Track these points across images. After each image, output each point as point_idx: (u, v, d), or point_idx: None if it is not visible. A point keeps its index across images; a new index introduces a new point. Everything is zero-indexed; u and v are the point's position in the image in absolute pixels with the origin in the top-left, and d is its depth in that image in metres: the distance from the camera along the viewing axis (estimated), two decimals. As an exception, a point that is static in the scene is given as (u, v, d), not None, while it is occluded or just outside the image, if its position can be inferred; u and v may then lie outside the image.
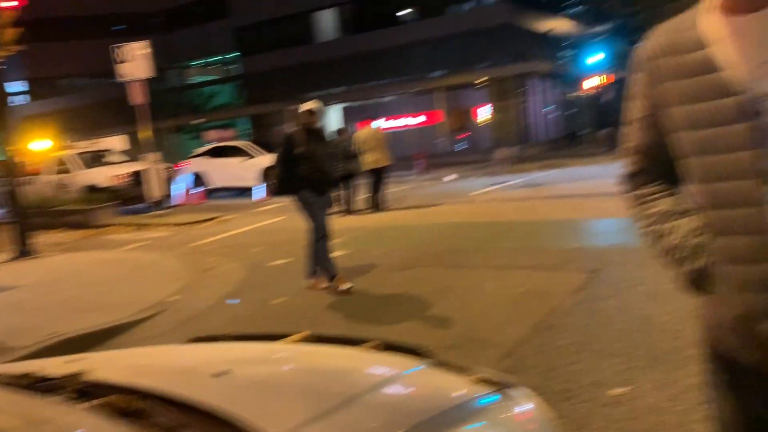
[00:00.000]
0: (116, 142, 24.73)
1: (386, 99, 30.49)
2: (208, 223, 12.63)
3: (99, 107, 34.68)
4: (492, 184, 15.00)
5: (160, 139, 18.97)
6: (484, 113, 29.03)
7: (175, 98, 36.05)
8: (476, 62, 27.92)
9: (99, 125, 32.05)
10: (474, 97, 29.10)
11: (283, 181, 6.06)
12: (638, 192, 1.40)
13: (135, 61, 14.19)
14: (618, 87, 30.46)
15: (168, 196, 16.07)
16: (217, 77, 37.96)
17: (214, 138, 33.01)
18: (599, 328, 4.29)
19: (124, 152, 20.02)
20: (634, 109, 1.35)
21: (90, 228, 12.77)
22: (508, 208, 11.06)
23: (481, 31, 27.48)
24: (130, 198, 15.27)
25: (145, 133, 14.62)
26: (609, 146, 24.62)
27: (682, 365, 3.49)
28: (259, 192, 17.05)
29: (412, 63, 29.03)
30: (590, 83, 25.43)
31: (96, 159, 17.48)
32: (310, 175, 5.97)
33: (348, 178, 11.72)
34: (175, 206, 15.83)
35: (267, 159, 18.15)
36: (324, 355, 1.61)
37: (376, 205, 12.11)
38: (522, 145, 27.56)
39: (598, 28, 25.31)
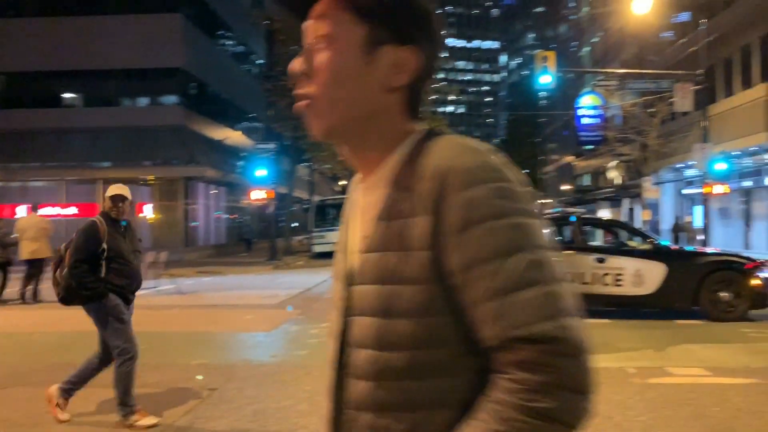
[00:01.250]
0: None
1: (36, 184, 27.39)
2: None
3: None
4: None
5: None
6: (147, 212, 27.95)
7: None
8: (144, 158, 27.08)
9: None
10: (139, 193, 27.92)
11: (82, 285, 4.59)
12: None
13: None
14: (280, 201, 32.45)
15: None
16: None
17: None
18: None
19: None
20: None
21: None
22: (147, 317, 10.41)
23: (152, 129, 26.96)
24: None
25: None
26: (269, 257, 25.67)
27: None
28: None
29: (72, 150, 26.85)
30: (257, 195, 26.57)
31: None
32: (117, 279, 4.69)
33: (3, 266, 11.59)
34: None
35: None
36: None
37: (23, 296, 11.66)
38: (184, 249, 27.07)
39: (268, 145, 26.94)
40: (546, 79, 22.58)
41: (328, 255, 27.35)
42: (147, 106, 29.32)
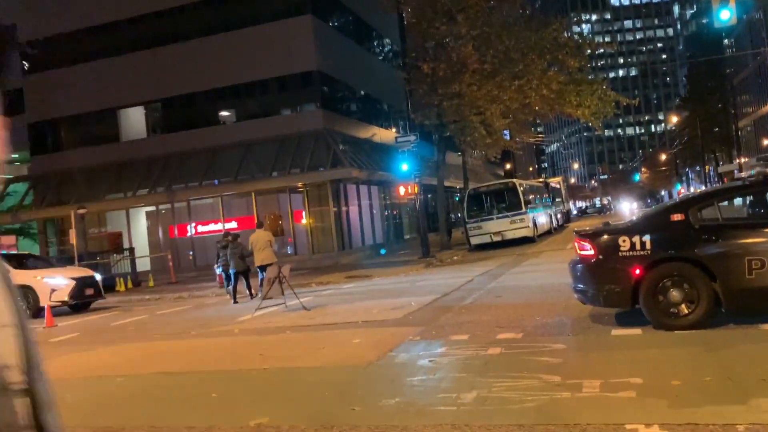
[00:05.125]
0: None
1: (197, 203, 28.44)
2: None
3: None
4: (271, 305, 13.13)
5: None
6: (301, 218, 27.83)
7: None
8: (292, 167, 26.95)
9: None
10: (291, 201, 27.93)
11: None
12: None
13: None
14: (431, 194, 30.77)
15: None
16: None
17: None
18: None
19: None
20: None
21: None
22: (246, 345, 9.15)
23: (295, 136, 26.74)
24: None
25: None
26: (422, 254, 24.14)
27: None
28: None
29: (225, 166, 27.47)
30: (406, 189, 25.30)
31: None
32: None
33: (245, 274, 14.97)
34: None
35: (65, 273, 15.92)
36: None
37: (256, 295, 14.33)
38: (339, 253, 26.50)
39: (408, 137, 25.39)
40: (725, 15, 18.66)
41: (486, 246, 25.24)
42: (288, 114, 29.27)
